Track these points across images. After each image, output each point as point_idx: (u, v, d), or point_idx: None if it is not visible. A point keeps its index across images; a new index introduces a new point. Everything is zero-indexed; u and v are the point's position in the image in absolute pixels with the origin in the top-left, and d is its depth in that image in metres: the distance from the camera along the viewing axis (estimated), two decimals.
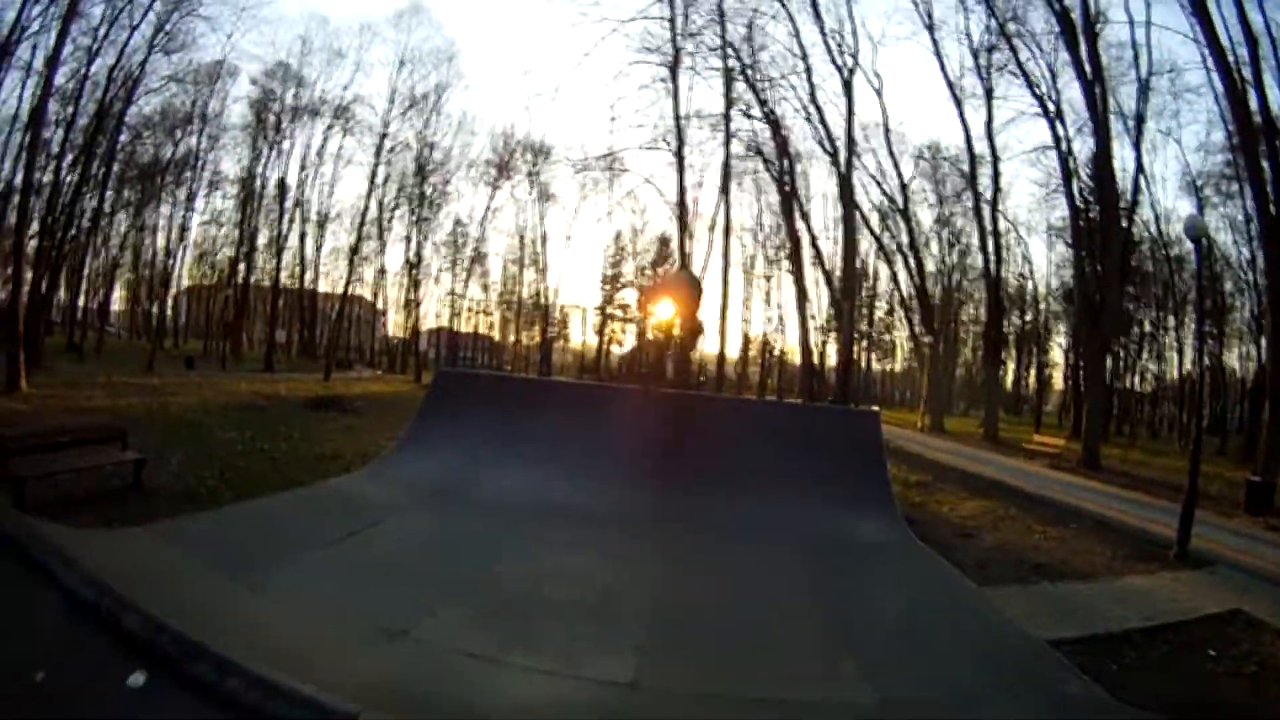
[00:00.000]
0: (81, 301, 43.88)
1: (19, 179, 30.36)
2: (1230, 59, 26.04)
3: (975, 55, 38.33)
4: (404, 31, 46.85)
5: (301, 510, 10.04)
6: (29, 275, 29.65)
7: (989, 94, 38.19)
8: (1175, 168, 52.01)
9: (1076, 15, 31.42)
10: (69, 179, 35.85)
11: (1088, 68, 30.93)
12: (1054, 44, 35.14)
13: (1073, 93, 34.30)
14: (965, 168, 40.71)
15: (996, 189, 38.96)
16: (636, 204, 48.51)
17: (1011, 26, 36.54)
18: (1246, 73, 25.77)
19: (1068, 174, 35.43)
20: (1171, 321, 43.75)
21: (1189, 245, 31.11)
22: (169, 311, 47.47)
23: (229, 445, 14.81)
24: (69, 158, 35.46)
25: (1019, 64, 36.77)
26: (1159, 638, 7.79)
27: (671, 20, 40.40)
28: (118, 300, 49.06)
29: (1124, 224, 35.40)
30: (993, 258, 39.02)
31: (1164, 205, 42.11)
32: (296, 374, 36.80)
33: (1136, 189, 36.70)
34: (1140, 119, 35.95)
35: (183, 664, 1.57)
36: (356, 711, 1.47)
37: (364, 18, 56.50)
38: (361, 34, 47.50)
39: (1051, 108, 35.87)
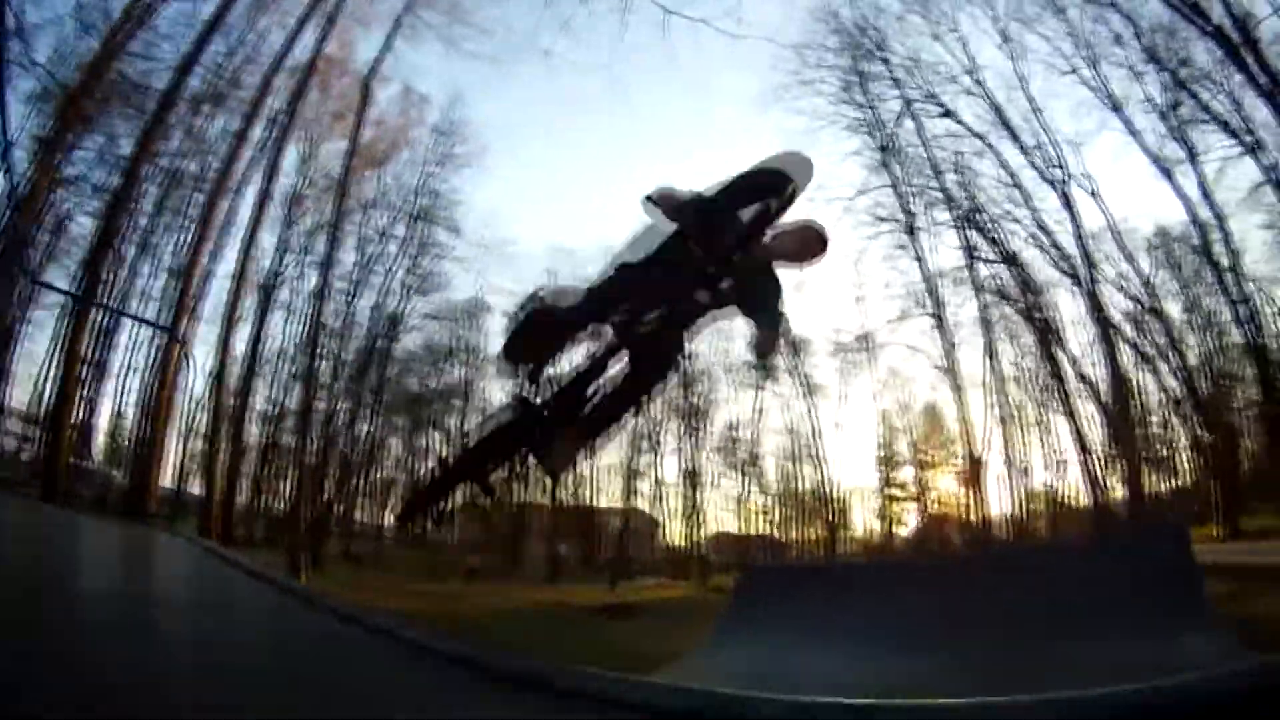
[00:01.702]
0: (358, 515, 46.12)
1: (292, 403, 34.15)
2: None
3: (1164, 118, 36.74)
4: (639, 251, 48.26)
5: None
6: (309, 488, 32.20)
7: (1191, 153, 36.30)
8: None
9: (1229, 27, 30.23)
10: (342, 405, 38.88)
11: (1262, 80, 29.59)
12: (1224, 70, 33.69)
13: (1262, 114, 32.64)
14: (1196, 241, 38.93)
15: (1231, 249, 37.11)
16: (898, 378, 48.22)
17: (1184, 72, 35.32)
18: None
19: None
20: None
21: None
22: (441, 528, 49.19)
23: (528, 649, 15.10)
24: (339, 385, 38.47)
25: (1204, 108, 35.33)
26: None
27: (894, 185, 40.79)
28: (391, 516, 51.38)
29: None
30: (1249, 326, 37.26)
31: None
32: (580, 584, 37.70)
33: None
34: None
35: None
36: None
37: (603, 244, 58.03)
38: (605, 256, 48.71)
39: (1249, 140, 33.88)
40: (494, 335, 46.19)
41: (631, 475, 47.10)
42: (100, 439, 32.09)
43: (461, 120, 41.99)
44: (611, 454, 47.73)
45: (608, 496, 49.38)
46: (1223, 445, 39.32)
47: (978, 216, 40.32)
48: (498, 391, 46.84)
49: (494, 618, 20.25)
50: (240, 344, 35.78)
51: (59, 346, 29.48)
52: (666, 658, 13.77)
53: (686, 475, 47.68)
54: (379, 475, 45.93)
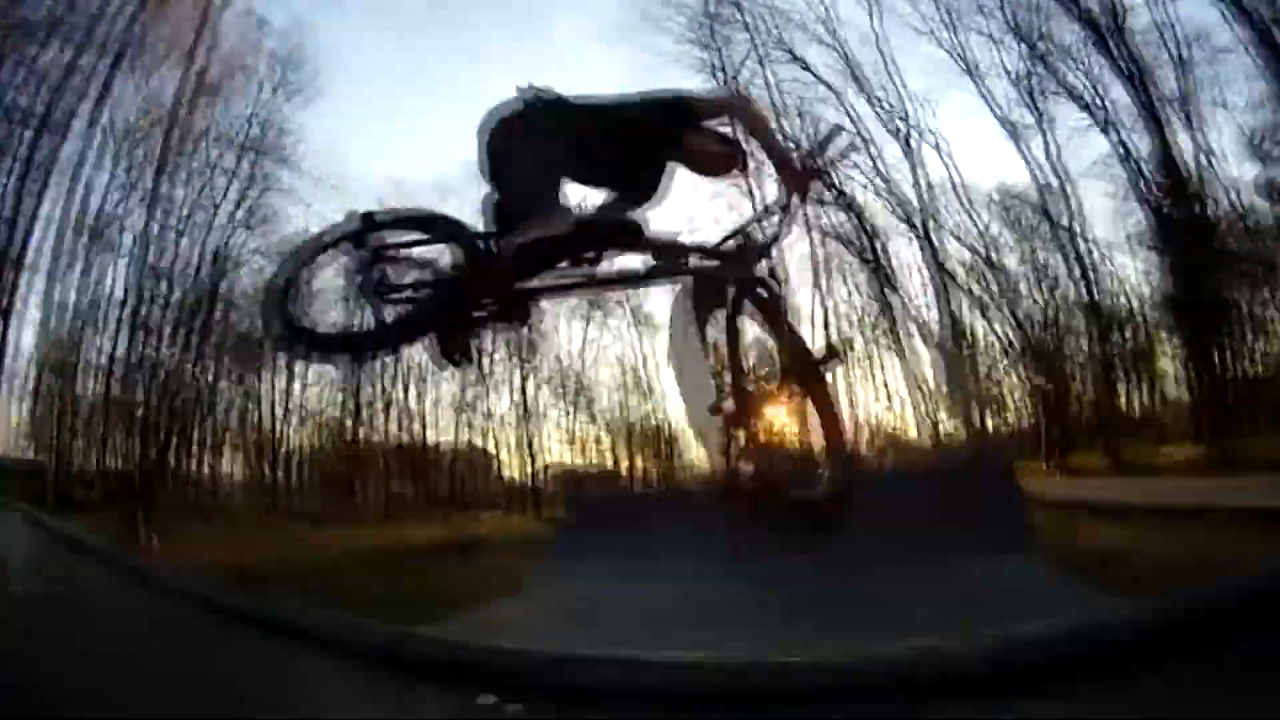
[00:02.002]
0: (195, 465, 44.93)
1: (120, 351, 33.07)
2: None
3: (1017, 85, 38.15)
4: (481, 186, 47.38)
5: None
6: (139, 441, 31.26)
7: (1040, 121, 38.08)
8: (1231, 133, 50.49)
9: (1099, 14, 31.38)
10: (171, 352, 37.25)
11: (1122, 63, 30.84)
12: (1086, 50, 35.23)
13: (1117, 94, 34.52)
14: (1036, 200, 40.68)
15: (1071, 212, 38.97)
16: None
17: (1042, 46, 36.61)
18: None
19: (1134, 176, 35.67)
20: (1266, 293, 42.42)
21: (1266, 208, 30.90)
22: (280, 473, 48.27)
23: (363, 592, 14.69)
24: (167, 331, 36.93)
25: (1059, 81, 36.85)
26: None
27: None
28: (230, 464, 50.10)
29: (1198, 208, 35.22)
30: (1081, 282, 39.39)
31: (1234, 174, 40.76)
32: (416, 523, 36.79)
33: (1200, 170, 35.76)
34: (1185, 99, 35.03)
35: None
36: None
37: (439, 177, 56.60)
38: (437, 190, 47.37)
39: (1101, 116, 35.89)
40: (322, 268, 46.28)
41: (464, 409, 47.14)
42: None
43: (299, 47, 40.77)
44: (443, 388, 47.92)
45: (441, 432, 49.26)
46: (1055, 390, 41.36)
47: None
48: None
49: (331, 562, 19.84)
50: (72, 292, 34.58)
51: None
52: (500, 592, 13.93)
53: (519, 408, 47.57)
54: (215, 422, 44.86)
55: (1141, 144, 35.68)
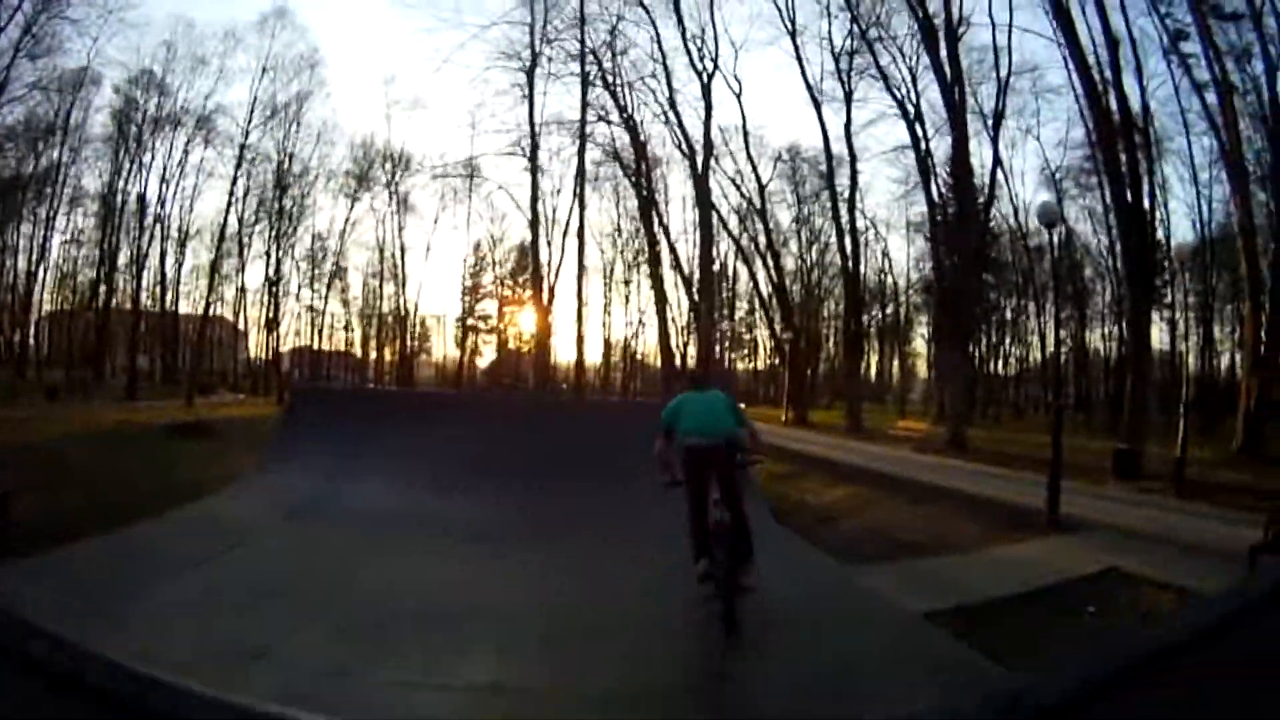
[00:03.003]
0: None
1: None
2: (1091, 59, 27.08)
3: (836, 60, 38.87)
4: (268, 37, 45.14)
5: (165, 537, 9.80)
6: None
7: (849, 97, 38.78)
8: (1035, 163, 53.73)
9: (939, 21, 32.45)
10: None
11: (948, 70, 32.12)
12: (915, 48, 36.06)
13: (933, 94, 35.12)
14: (824, 169, 41.32)
15: (854, 188, 39.72)
16: (495, 212, 48.03)
17: (874, 32, 37.46)
18: (1107, 74, 27.24)
19: (925, 171, 36.45)
20: (1033, 308, 45.10)
21: (1047, 235, 32.53)
22: (31, 340, 45.50)
23: (93, 475, 14.22)
24: None
25: (879, 68, 37.58)
26: (1037, 600, 7.86)
27: (531, 26, 40.34)
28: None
29: (982, 217, 36.20)
30: (851, 255, 39.51)
31: (1024, 198, 43.00)
32: (159, 401, 35.43)
33: (994, 183, 37.38)
34: (1000, 117, 36.77)
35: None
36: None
37: (230, 22, 54.24)
38: (226, 39, 45.61)
39: (911, 109, 36.78)
40: (96, 112, 43.72)
41: (215, 278, 46.01)
42: None
43: None
44: (200, 254, 46.83)
45: (192, 301, 48.09)
46: (803, 345, 42.23)
47: (611, 78, 40.94)
48: (92, 179, 43.93)
49: (66, 443, 18.63)
50: None
51: None
52: (225, 480, 13.52)
53: (270, 284, 46.47)
54: None
55: (940, 146, 36.84)
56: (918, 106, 36.63)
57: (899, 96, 37.00)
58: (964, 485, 16.31)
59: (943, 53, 32.11)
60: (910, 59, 36.78)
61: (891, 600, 7.72)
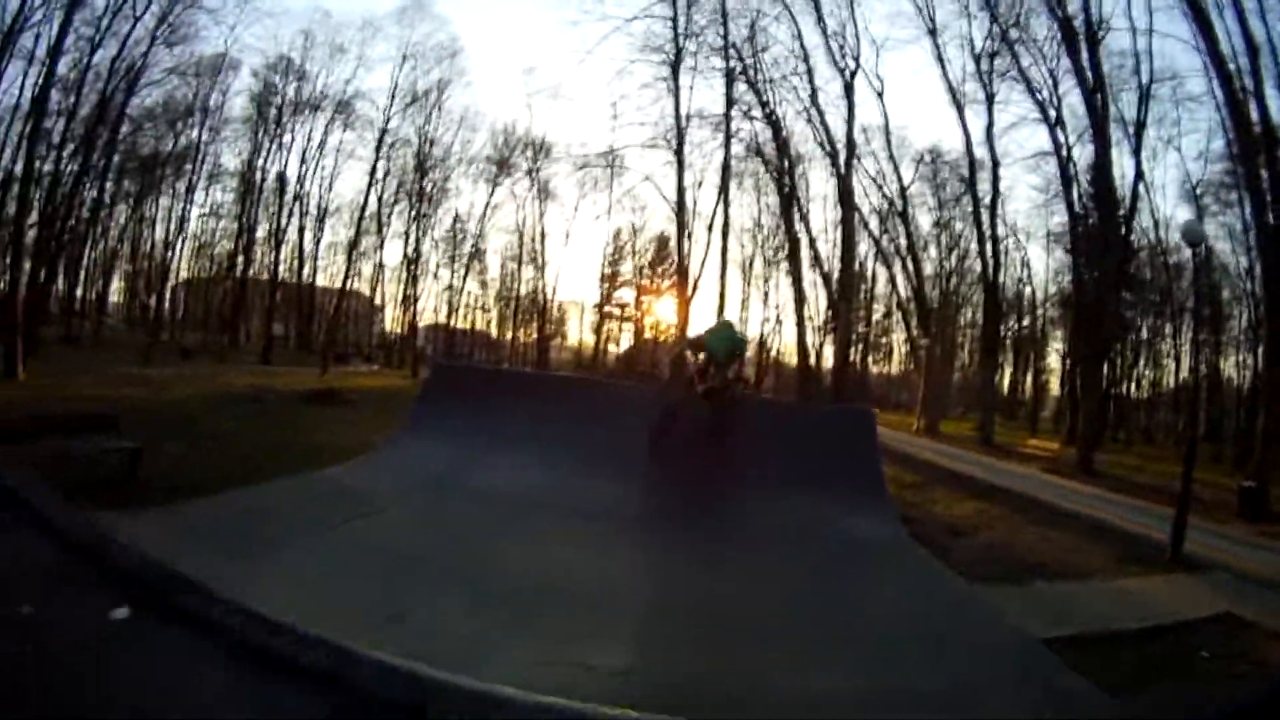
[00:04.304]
0: (80, 292, 43.85)
1: (19, 168, 30.69)
2: (1231, 67, 26.36)
3: (977, 61, 38.33)
4: (407, 27, 46.26)
5: (298, 499, 10.03)
6: (27, 265, 29.68)
7: (990, 99, 38.20)
8: (1175, 175, 52.02)
9: (1079, 23, 31.74)
10: (69, 169, 35.98)
11: (1089, 75, 31.41)
12: (1056, 50, 35.22)
13: (1074, 99, 34.53)
14: (965, 172, 40.66)
15: (996, 194, 38.84)
16: (636, 203, 48.29)
17: (1014, 33, 36.68)
18: (1247, 82, 26.13)
19: (1067, 180, 35.81)
20: (1169, 329, 43.54)
21: (1188, 253, 31.63)
22: (166, 304, 47.23)
23: (225, 435, 14.69)
24: (70, 148, 35.44)
25: (1020, 70, 36.95)
26: (1153, 638, 7.76)
27: (674, 19, 40.49)
28: (116, 292, 48.89)
29: (1122, 230, 35.24)
30: (991, 262, 38.91)
31: (1164, 212, 41.66)
32: (293, 367, 36.65)
33: (1135, 196, 36.38)
34: (1140, 126, 35.78)
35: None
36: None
37: (367, 12, 56.00)
38: (364, 29, 47.04)
39: (1052, 114, 36.13)
40: (235, 95, 45.41)
41: (353, 254, 46.96)
42: None
43: None
44: (338, 231, 48.31)
45: (329, 276, 49.42)
46: (938, 352, 41.44)
47: (753, 73, 40.75)
48: (231, 157, 45.45)
49: (199, 403, 19.44)
50: None
51: None
52: (358, 448, 13.92)
53: (409, 262, 47.56)
54: (104, 246, 43.83)
55: (1082, 154, 35.99)
56: (1059, 111, 36.10)
57: (1040, 99, 36.49)
58: (1090, 511, 16.20)
59: (1083, 56, 31.61)
60: (1051, 61, 36.09)
61: (1012, 622, 7.67)
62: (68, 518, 2.05)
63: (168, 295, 47.74)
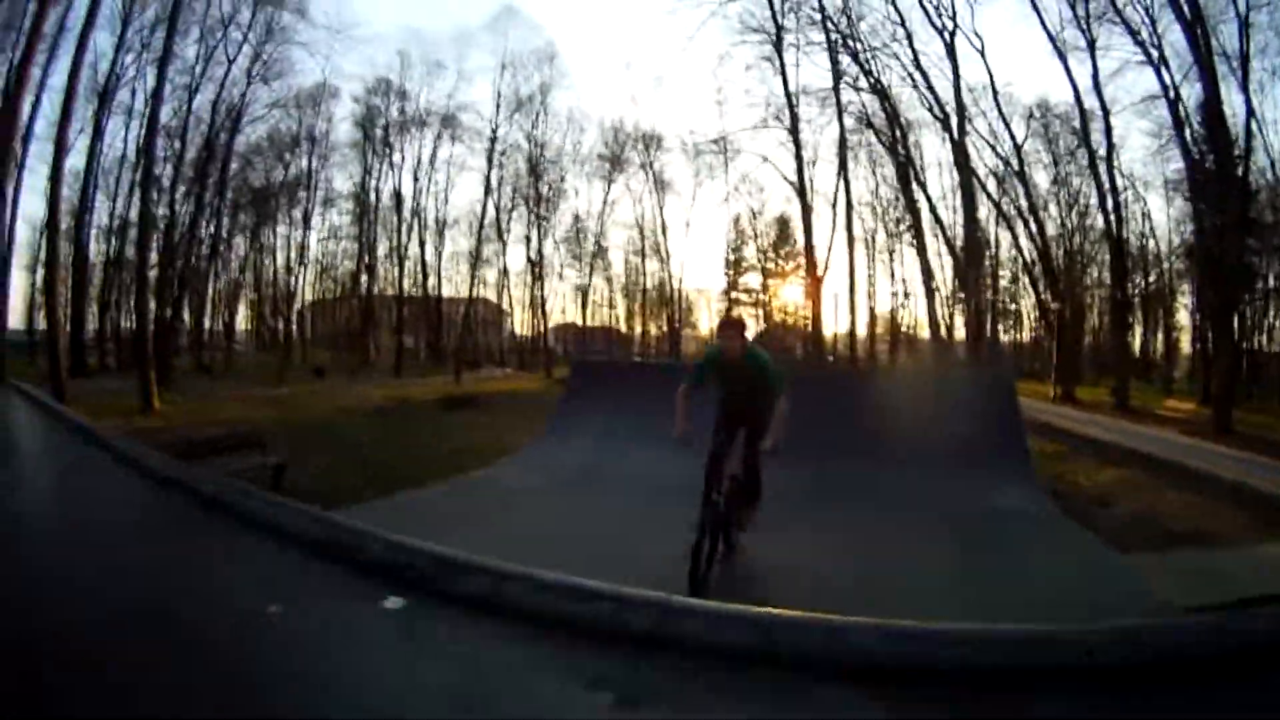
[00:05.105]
0: (207, 324, 45.05)
1: (134, 213, 32.69)
2: None
3: (1073, 6, 36.65)
4: (500, 36, 46.40)
5: (448, 501, 10.41)
6: (153, 303, 30.86)
7: (1091, 45, 36.55)
8: None
9: None
10: (184, 210, 37.28)
11: (1185, 8, 30.15)
12: None
13: (1175, 36, 33.09)
14: (1076, 124, 39.43)
15: (1110, 145, 37.61)
16: (753, 186, 47.99)
17: None
18: None
19: (1178, 123, 34.36)
20: None
21: None
22: (294, 326, 48.36)
23: (366, 446, 15.22)
24: (181, 190, 36.85)
25: (1117, 9, 35.42)
26: None
27: None
28: (242, 320, 50.08)
29: (1239, 172, 33.60)
30: (1113, 217, 37.87)
31: (1278, 150, 39.85)
32: (426, 378, 37.47)
33: (1250, 134, 33.97)
34: (1245, 59, 33.29)
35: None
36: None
37: (459, 26, 56.19)
38: (458, 43, 47.37)
39: (1155, 54, 34.55)
40: (339, 121, 46.20)
41: (477, 264, 47.13)
42: None
43: None
44: (459, 241, 48.23)
45: (454, 286, 49.24)
46: (1068, 315, 40.39)
47: (853, 43, 40.26)
48: (343, 181, 46.31)
49: (337, 418, 19.98)
50: (79, 157, 34.33)
51: None
52: (501, 450, 14.24)
53: (532, 265, 47.67)
54: (227, 278, 45.03)
55: (1190, 94, 34.48)
56: (1161, 51, 34.40)
57: (1140, 40, 34.81)
58: (1231, 474, 15.80)
59: None
60: None
61: (1161, 591, 7.61)
62: (307, 518, 2.18)
63: (294, 318, 48.79)
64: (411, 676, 1.53)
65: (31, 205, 31.48)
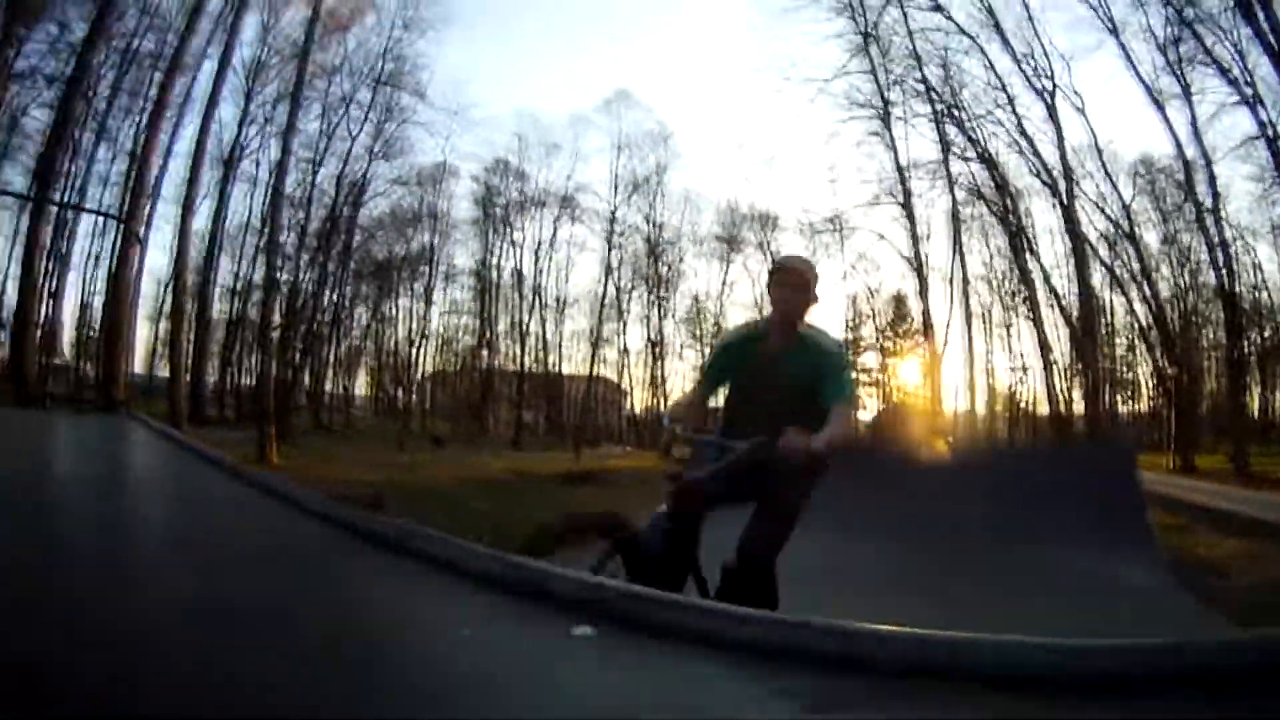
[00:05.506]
0: (328, 386, 45.97)
1: (257, 276, 35.12)
2: None
3: (1164, 52, 35.82)
4: (615, 118, 46.82)
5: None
6: (274, 364, 32.49)
7: (1186, 90, 35.61)
8: None
9: None
10: (308, 276, 38.53)
11: (1271, 39, 29.77)
12: (1233, 20, 32.94)
13: (1265, 70, 32.12)
14: (1180, 177, 38.46)
15: (1215, 193, 36.70)
16: (870, 264, 47.69)
17: (1189, 11, 34.37)
18: None
19: (1278, 161, 33.57)
20: None
21: None
22: (413, 395, 49.26)
23: (485, 514, 15.25)
24: (305, 258, 38.22)
25: (1207, 50, 34.46)
26: None
27: (873, 71, 40.22)
28: (362, 385, 51.13)
29: None
30: (1224, 271, 36.94)
31: None
32: (544, 453, 37.85)
33: None
34: None
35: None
36: None
37: (573, 110, 57.08)
38: (574, 125, 48.03)
39: (1249, 92, 33.52)
40: (459, 199, 47.09)
41: (597, 342, 47.52)
42: (67, 334, 32.38)
43: None
44: (578, 320, 48.48)
45: (573, 364, 49.66)
46: (1185, 380, 39.44)
47: (957, 113, 40.10)
48: (465, 257, 47.35)
49: (456, 485, 20.32)
50: (203, 220, 35.99)
51: (16, 243, 29.56)
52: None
53: (651, 345, 48.00)
54: (348, 344, 46.16)
55: None
56: (1254, 88, 33.30)
57: (1232, 79, 33.79)
58: None
59: (1260, 17, 29.96)
60: (1232, 33, 33.36)
61: None
62: (486, 557, 2.38)
63: (414, 387, 49.68)
64: (605, 691, 1.71)
65: (156, 260, 33.18)
